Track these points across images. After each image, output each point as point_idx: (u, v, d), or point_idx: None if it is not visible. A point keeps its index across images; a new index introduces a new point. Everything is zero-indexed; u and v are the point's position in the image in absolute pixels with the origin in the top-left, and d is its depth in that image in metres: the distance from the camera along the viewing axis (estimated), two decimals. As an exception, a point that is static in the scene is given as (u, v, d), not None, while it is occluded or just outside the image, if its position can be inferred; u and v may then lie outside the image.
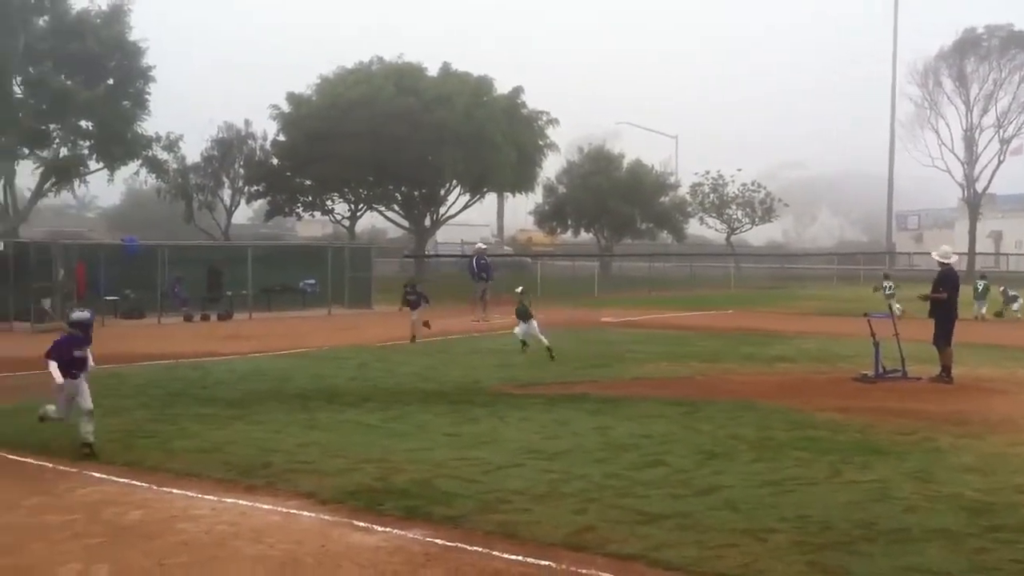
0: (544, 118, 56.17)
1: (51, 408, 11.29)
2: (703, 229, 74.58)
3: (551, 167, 62.90)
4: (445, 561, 7.24)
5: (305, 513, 8.52)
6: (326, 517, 8.39)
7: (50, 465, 10.36)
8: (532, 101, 55.87)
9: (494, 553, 7.38)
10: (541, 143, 56.47)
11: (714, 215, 70.32)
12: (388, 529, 8.01)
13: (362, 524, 8.15)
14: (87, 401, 10.92)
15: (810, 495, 9.09)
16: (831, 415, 13.41)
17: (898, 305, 28.09)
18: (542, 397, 14.87)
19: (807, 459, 10.59)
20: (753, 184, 68.74)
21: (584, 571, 6.99)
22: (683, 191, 69.18)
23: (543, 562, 7.19)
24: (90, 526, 8.15)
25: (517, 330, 21.05)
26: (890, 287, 32.72)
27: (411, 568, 7.09)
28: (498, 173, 52.22)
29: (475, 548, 7.49)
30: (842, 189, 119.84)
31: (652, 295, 46.21)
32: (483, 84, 53.60)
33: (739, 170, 68.34)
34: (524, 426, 12.51)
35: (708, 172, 68.99)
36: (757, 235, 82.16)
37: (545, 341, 20.23)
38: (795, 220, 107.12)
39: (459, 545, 7.56)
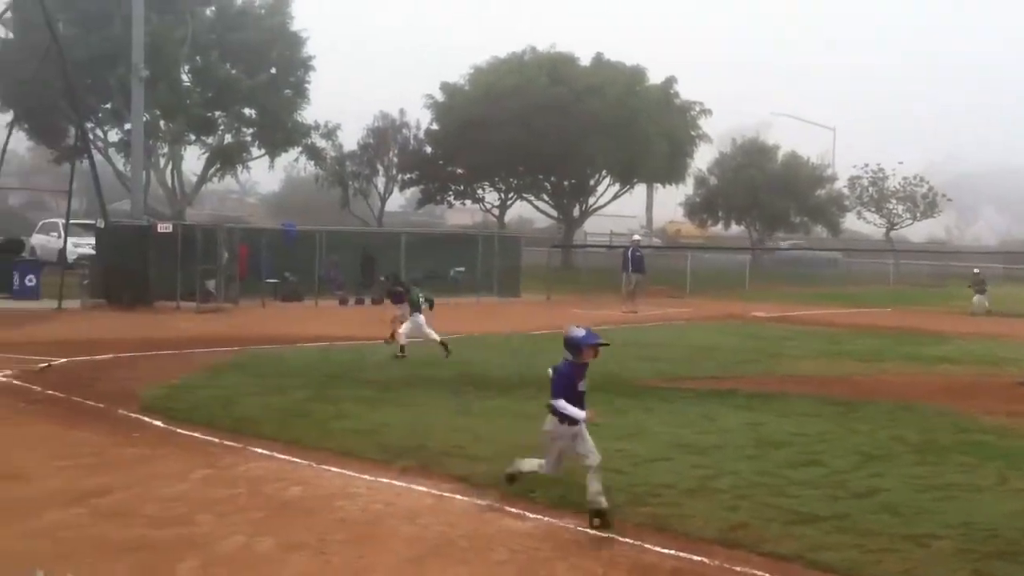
0: (697, 108, 55.49)
1: (529, 463, 8.56)
2: (860, 224, 72.19)
3: (703, 158, 62.10)
4: (597, 551, 7.24)
5: (458, 496, 8.65)
6: (478, 501, 8.50)
7: (216, 440, 10.78)
8: (685, 91, 55.28)
9: (646, 546, 7.34)
10: (693, 134, 55.81)
11: (872, 209, 68.04)
12: (539, 516, 8.06)
13: (514, 510, 8.22)
14: (590, 453, 8.06)
15: (975, 502, 8.74)
16: (998, 419, 12.86)
17: (977, 298, 32.68)
18: (691, 391, 14.70)
19: (972, 464, 10.18)
20: (915, 178, 66.19)
21: (739, 569, 6.89)
22: (840, 184, 67.20)
23: (696, 557, 7.12)
24: (253, 500, 8.45)
25: (403, 329, 18.28)
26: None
27: (563, 555, 7.12)
28: (649, 164, 51.85)
29: (627, 540, 7.47)
30: (1007, 185, 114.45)
31: (806, 290, 45.11)
32: (636, 74, 53.23)
33: (900, 163, 65.96)
34: (672, 420, 12.40)
35: (867, 165, 66.78)
36: (917, 231, 79.06)
37: (436, 336, 18.17)
38: (958, 216, 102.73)
39: (611, 536, 7.55)
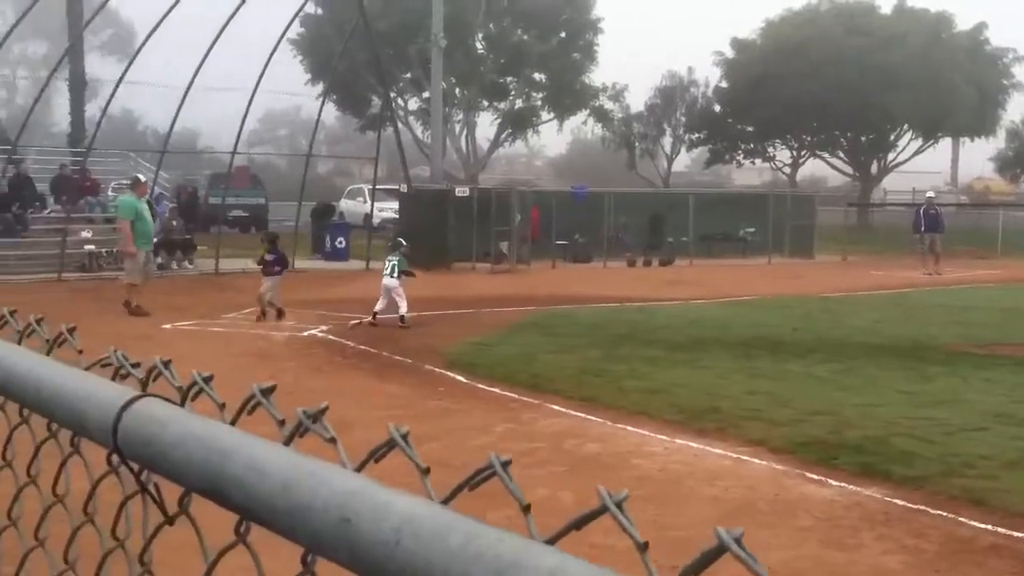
0: (1010, 55, 51.41)
1: None
2: None
3: (1017, 109, 57.46)
4: (907, 522, 6.93)
5: (756, 460, 8.52)
6: (777, 466, 8.33)
7: (515, 396, 11.15)
8: (997, 37, 51.32)
9: (960, 519, 6.95)
10: (1005, 83, 51.78)
11: None
12: (843, 484, 7.80)
13: (815, 476, 8.01)
14: None
15: None
16: None
17: None
18: (1009, 358, 13.72)
19: None
20: None
21: (1067, 549, 6.41)
22: None
23: (1016, 534, 6.67)
24: (553, 455, 8.69)
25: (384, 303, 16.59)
26: None
27: (870, 525, 6.87)
28: (955, 117, 48.58)
29: (939, 512, 7.10)
30: None
31: None
32: (941, 21, 49.95)
33: None
34: (988, 388, 11.62)
35: None
36: None
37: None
38: None
39: (921, 507, 7.20)
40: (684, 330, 16.38)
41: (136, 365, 1.08)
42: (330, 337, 15.33)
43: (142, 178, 18.92)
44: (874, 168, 54.88)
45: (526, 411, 10.44)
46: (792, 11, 52.99)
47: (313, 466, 0.79)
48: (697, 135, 54.65)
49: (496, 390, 11.49)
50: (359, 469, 0.83)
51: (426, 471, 0.79)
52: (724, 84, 53.32)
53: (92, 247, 24.03)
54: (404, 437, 0.83)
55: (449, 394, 11.30)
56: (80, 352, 1.17)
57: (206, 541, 1.01)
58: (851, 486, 7.73)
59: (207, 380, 0.98)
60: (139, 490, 1.00)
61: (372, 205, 30.98)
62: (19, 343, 1.24)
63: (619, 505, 0.72)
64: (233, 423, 0.92)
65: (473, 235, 28.83)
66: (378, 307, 16.51)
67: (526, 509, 0.73)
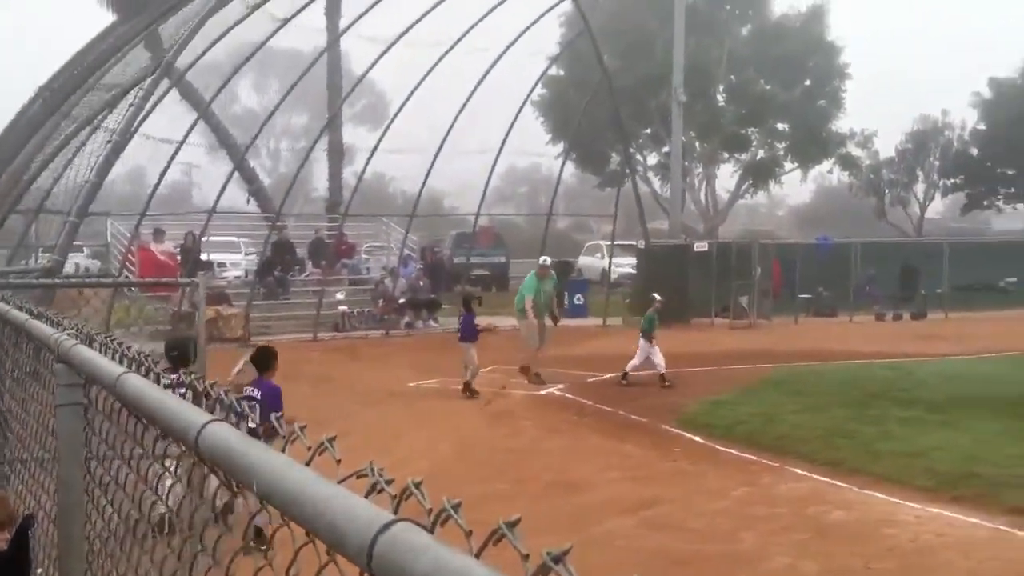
0: None
1: None
2: None
3: None
4: None
5: (1018, 532, 7.98)
6: (1043, 539, 7.80)
7: (754, 458, 10.89)
8: None
9: None
10: None
11: None
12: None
13: (1087, 553, 7.43)
14: None
15: None
16: None
17: None
18: None
19: None
20: None
21: None
22: None
23: None
24: (795, 521, 8.43)
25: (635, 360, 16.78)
26: None
27: None
28: None
29: None
30: None
31: None
32: None
33: None
34: None
35: None
36: None
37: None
38: None
39: None
40: (941, 388, 15.50)
41: (390, 482, 1.15)
42: (567, 395, 15.50)
43: (546, 261, 18.88)
44: None
45: (766, 474, 10.19)
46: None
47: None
48: (953, 180, 51.97)
49: (734, 451, 11.28)
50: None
51: (526, 557, 0.83)
52: (982, 126, 50.58)
53: (345, 308, 25.41)
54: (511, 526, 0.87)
55: (685, 456, 11.17)
56: (339, 462, 1.29)
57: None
58: None
59: (456, 507, 1.03)
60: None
61: (610, 261, 31.19)
62: (283, 451, 1.38)
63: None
64: (478, 555, 0.97)
65: (712, 290, 28.47)
66: (629, 365, 16.67)
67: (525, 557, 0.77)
